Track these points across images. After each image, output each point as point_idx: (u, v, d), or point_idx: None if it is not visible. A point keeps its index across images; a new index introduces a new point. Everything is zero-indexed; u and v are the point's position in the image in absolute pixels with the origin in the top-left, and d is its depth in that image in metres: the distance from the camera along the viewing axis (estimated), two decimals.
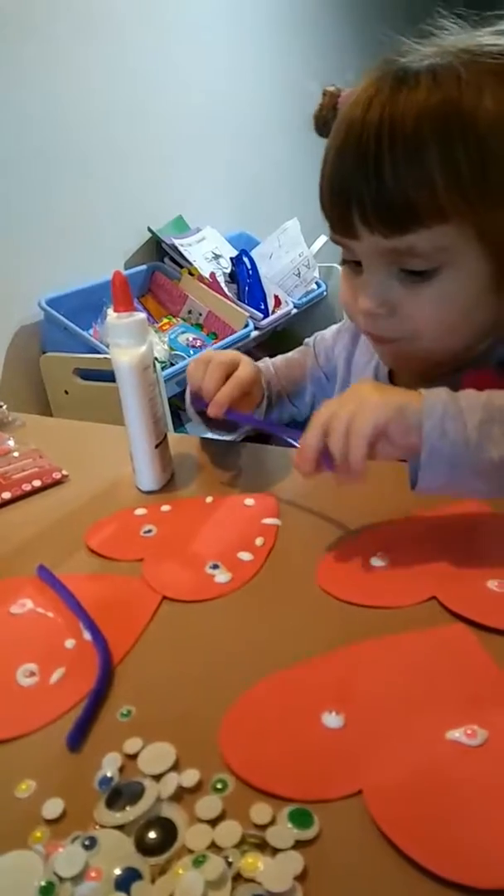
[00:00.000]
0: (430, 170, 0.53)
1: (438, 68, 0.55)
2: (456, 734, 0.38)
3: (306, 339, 0.89)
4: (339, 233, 0.60)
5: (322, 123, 0.66)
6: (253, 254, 2.13)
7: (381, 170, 0.54)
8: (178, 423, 1.83)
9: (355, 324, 0.71)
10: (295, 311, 2.12)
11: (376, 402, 0.51)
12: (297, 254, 2.17)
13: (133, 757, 0.39)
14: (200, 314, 1.94)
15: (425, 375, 0.67)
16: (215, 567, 0.57)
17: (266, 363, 0.90)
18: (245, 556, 0.58)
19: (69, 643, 0.49)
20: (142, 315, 0.67)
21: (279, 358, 0.91)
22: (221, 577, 0.55)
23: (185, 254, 2.00)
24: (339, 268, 0.66)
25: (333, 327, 0.86)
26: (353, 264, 0.62)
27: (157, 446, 0.70)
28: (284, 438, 0.65)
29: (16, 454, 0.80)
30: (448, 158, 0.53)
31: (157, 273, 2.01)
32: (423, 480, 0.51)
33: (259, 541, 0.59)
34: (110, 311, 0.67)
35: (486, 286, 0.58)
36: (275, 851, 0.33)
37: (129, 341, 0.66)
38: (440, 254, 0.56)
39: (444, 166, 0.53)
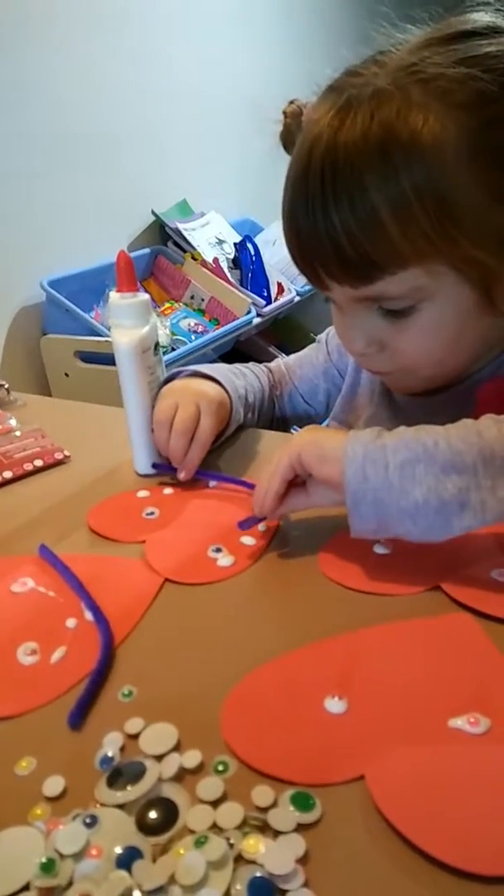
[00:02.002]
0: (381, 219, 0.50)
1: (378, 98, 0.50)
2: (459, 722, 0.38)
3: (319, 336, 0.88)
4: (311, 284, 0.58)
5: (291, 144, 0.62)
6: (257, 240, 2.12)
7: (331, 228, 0.51)
8: None
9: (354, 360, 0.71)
10: (297, 298, 2.11)
11: (294, 441, 0.55)
12: None
13: (134, 737, 0.39)
14: (203, 299, 1.93)
15: (432, 390, 0.67)
16: (218, 550, 0.56)
17: (278, 363, 0.90)
18: (248, 540, 0.58)
19: (70, 622, 0.49)
20: (145, 296, 0.67)
21: (292, 357, 0.90)
22: (224, 560, 0.55)
23: (189, 238, 1.99)
24: None
25: None
26: (337, 304, 0.61)
27: (154, 430, 0.69)
28: (244, 486, 0.65)
29: (18, 433, 0.80)
30: (397, 202, 0.49)
31: (160, 257, 2.00)
32: (353, 524, 0.50)
33: (262, 526, 0.59)
34: (113, 292, 0.66)
35: (473, 310, 0.55)
36: (276, 834, 0.33)
37: (130, 322, 0.66)
38: (415, 293, 0.53)
39: (395, 212, 0.49)
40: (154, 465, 0.70)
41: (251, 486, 0.63)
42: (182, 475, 0.67)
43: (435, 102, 0.49)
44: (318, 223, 0.52)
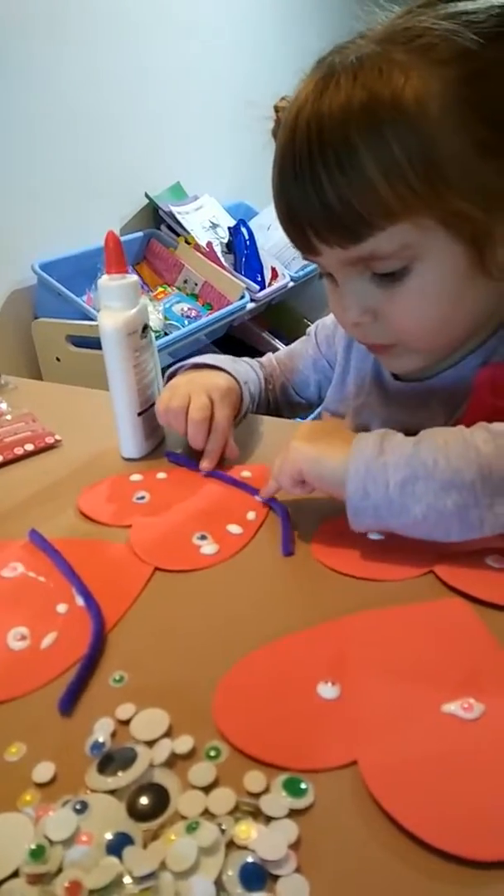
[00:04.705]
0: (368, 173, 0.50)
1: (360, 62, 0.51)
2: (452, 707, 0.38)
3: (308, 328, 0.89)
4: (300, 251, 0.58)
5: None
6: (251, 224, 2.10)
7: (319, 186, 0.52)
8: None
9: (349, 334, 0.70)
10: (291, 284, 2.10)
11: (295, 449, 0.55)
12: None
13: (125, 723, 0.39)
14: (196, 284, 1.91)
15: (423, 376, 0.67)
16: (203, 538, 0.56)
17: (269, 357, 0.90)
18: (234, 528, 0.57)
19: (61, 608, 0.48)
20: (133, 278, 0.66)
21: (282, 351, 0.91)
22: (208, 548, 0.55)
23: (183, 221, 1.97)
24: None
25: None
26: (330, 276, 0.60)
27: (140, 414, 0.69)
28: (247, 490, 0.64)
29: (8, 417, 0.79)
30: (383, 156, 0.49)
31: (153, 240, 1.98)
32: (354, 526, 0.52)
33: (251, 515, 0.59)
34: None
35: (467, 270, 0.55)
36: (268, 819, 0.33)
37: (118, 304, 0.65)
38: (406, 251, 0.53)
39: (382, 166, 0.50)
40: (167, 455, 0.70)
41: (252, 490, 0.62)
42: (204, 464, 0.67)
43: (417, 60, 0.50)
44: (306, 183, 0.52)
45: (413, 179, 0.50)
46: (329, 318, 0.86)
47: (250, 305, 1.90)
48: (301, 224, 0.55)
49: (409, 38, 0.50)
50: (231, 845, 0.32)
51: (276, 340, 2.20)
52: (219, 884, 0.31)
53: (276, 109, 0.62)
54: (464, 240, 0.53)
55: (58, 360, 1.66)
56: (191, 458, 0.68)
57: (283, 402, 0.88)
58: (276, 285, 2.02)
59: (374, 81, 0.50)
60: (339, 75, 0.51)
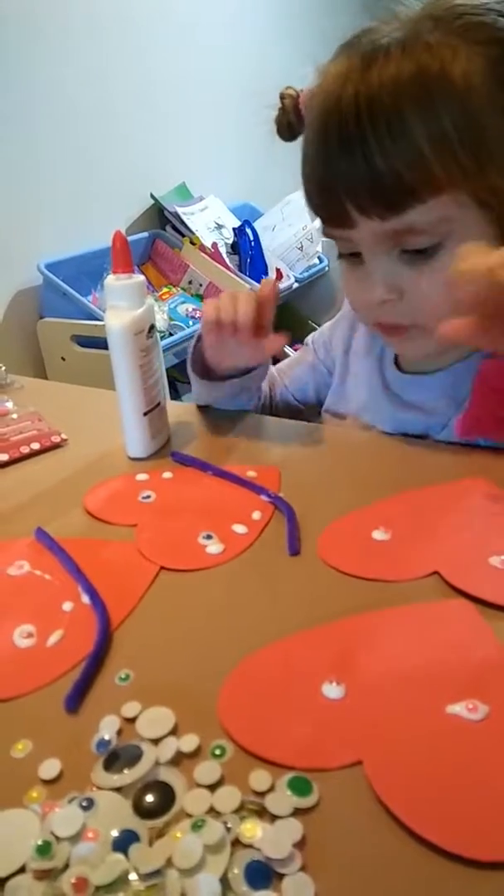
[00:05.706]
0: (418, 142, 0.52)
1: (406, 39, 0.53)
2: (457, 708, 0.38)
3: (306, 339, 0.91)
4: (333, 225, 0.59)
5: (286, 128, 0.65)
6: (256, 225, 2.10)
7: (367, 151, 0.53)
8: (175, 395, 1.82)
9: (363, 319, 0.70)
10: (296, 285, 2.10)
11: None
12: (300, 227, 2.14)
13: (131, 720, 0.39)
14: (201, 285, 1.92)
15: (436, 359, 0.67)
16: (208, 537, 0.56)
17: (269, 368, 0.91)
18: (240, 528, 0.57)
19: (67, 606, 0.48)
20: (140, 278, 0.66)
21: (282, 362, 0.93)
22: (213, 547, 0.55)
23: (188, 222, 1.97)
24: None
25: (330, 321, 0.87)
26: (351, 257, 0.61)
27: (146, 413, 0.69)
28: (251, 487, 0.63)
29: (14, 416, 0.79)
30: (433, 127, 0.51)
31: (158, 241, 1.98)
32: None
33: (256, 514, 0.59)
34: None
35: None
36: (273, 818, 0.33)
37: (125, 304, 0.65)
38: (441, 226, 0.55)
39: (431, 136, 0.52)
40: (173, 455, 0.70)
41: (258, 489, 0.62)
42: (272, 341, 0.68)
43: (459, 39, 0.52)
44: (355, 151, 0.54)
45: (459, 151, 0.52)
46: (325, 326, 0.87)
47: None
48: (340, 192, 0.56)
49: (451, 19, 0.53)
50: (236, 843, 0.32)
51: None
52: (224, 882, 0.31)
53: (282, 97, 0.63)
54: (494, 220, 0.55)
55: (63, 359, 1.67)
56: (196, 457, 0.69)
57: (282, 406, 0.89)
58: (280, 286, 2.02)
59: (423, 55, 0.52)
60: (388, 49, 0.53)
